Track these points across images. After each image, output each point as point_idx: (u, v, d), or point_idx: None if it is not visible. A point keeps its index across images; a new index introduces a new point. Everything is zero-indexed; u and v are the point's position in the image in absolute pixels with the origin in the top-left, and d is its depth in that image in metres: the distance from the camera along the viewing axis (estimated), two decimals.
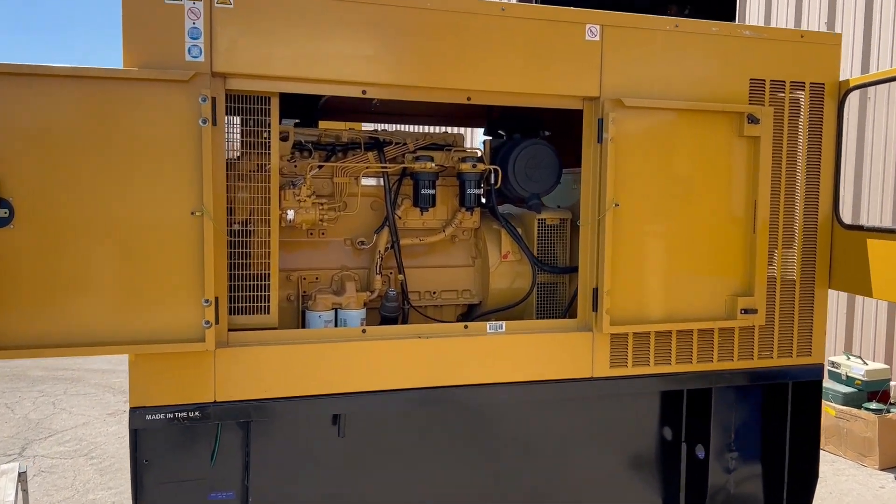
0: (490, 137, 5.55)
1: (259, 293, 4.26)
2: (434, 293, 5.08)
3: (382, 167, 4.77)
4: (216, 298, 3.97)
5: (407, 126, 6.64)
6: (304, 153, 4.78)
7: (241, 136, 4.24)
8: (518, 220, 5.20)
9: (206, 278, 3.89)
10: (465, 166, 4.79)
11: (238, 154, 4.34)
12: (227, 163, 4.13)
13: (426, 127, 6.40)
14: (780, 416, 5.39)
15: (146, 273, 3.84)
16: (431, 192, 4.75)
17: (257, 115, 4.18)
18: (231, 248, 4.18)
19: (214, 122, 3.91)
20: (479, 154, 5.05)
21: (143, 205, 3.81)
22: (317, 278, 4.81)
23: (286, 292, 4.74)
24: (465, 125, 6.65)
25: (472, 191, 4.81)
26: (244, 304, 4.24)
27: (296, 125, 4.97)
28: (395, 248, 4.83)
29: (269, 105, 4.18)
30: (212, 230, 3.87)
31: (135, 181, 3.80)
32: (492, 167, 4.87)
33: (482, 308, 5.15)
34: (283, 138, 4.69)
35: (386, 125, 6.54)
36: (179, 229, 3.87)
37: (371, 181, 4.94)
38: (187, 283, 3.90)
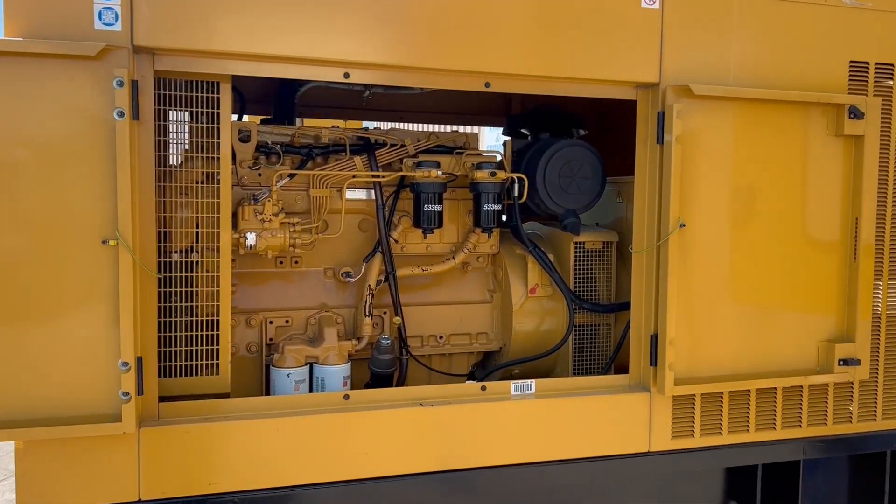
0: (508, 138, 4.47)
1: (204, 346, 3.20)
2: (441, 338, 4.00)
3: (374, 176, 3.70)
4: (139, 359, 2.90)
5: (406, 126, 5.55)
6: (272, 158, 3.72)
7: (179, 136, 3.18)
8: (548, 243, 4.13)
9: (122, 331, 2.82)
10: (482, 174, 3.72)
11: (180, 160, 3.27)
12: (159, 172, 3.07)
13: (429, 127, 5.32)
14: (875, 491, 4.29)
15: (37, 326, 2.77)
16: (437, 208, 3.68)
17: (201, 107, 3.12)
18: (165, 286, 3.11)
19: (136, 116, 2.84)
20: (499, 159, 3.97)
21: (33, 231, 2.75)
22: (287, 321, 3.73)
23: (245, 341, 3.67)
24: (477, 123, 5.57)
25: (490, 206, 3.73)
26: (183, 363, 3.17)
27: (263, 122, 3.90)
28: (390, 281, 3.76)
29: (218, 92, 3.12)
30: (130, 264, 2.80)
31: (19, 199, 2.73)
32: (515, 175, 3.80)
33: (503, 357, 4.08)
34: (244, 138, 3.63)
35: (380, 124, 5.48)
36: (86, 264, 2.81)
37: (359, 194, 3.88)
38: (97, 338, 2.84)
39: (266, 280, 3.80)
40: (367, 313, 3.72)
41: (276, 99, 4.58)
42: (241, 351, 3.66)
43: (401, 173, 3.72)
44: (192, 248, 3.27)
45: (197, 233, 3.25)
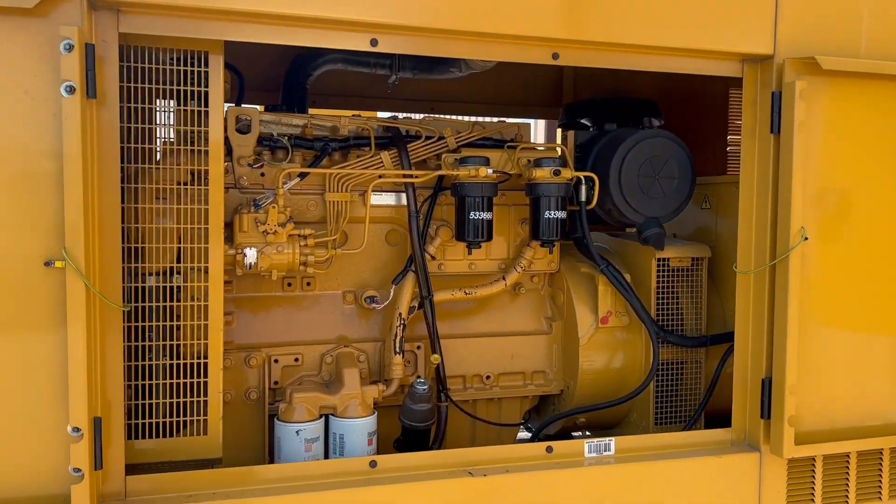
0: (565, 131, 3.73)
1: (189, 398, 2.48)
2: (487, 378, 3.25)
3: (406, 175, 2.96)
4: (96, 421, 2.18)
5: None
6: (277, 154, 3.00)
7: (154, 121, 2.47)
8: (618, 258, 3.37)
9: (71, 386, 2.10)
10: (542, 173, 2.97)
11: (157, 154, 2.57)
12: (127, 170, 2.37)
13: (466, 118, 4.57)
14: None
15: None
16: (486, 215, 2.94)
17: (184, 85, 2.41)
18: (135, 319, 2.40)
19: (91, 93, 2.14)
20: (561, 153, 3.22)
21: None
22: (297, 360, 3.00)
23: (243, 385, 2.94)
24: (521, 116, 4.81)
25: (552, 213, 2.99)
26: (161, 420, 2.45)
27: (267, 110, 3.18)
28: (425, 308, 3.02)
29: (207, 66, 2.41)
30: (83, 293, 2.08)
31: None
32: (584, 175, 3.04)
33: (566, 402, 3.32)
34: (242, 129, 2.91)
35: (408, 116, 4.75)
36: (21, 294, 2.09)
37: (387, 199, 3.14)
38: (38, 396, 2.12)
39: (270, 307, 3.07)
40: (397, 349, 2.97)
41: (284, 85, 3.86)
42: (237, 398, 2.93)
43: (439, 172, 2.97)
44: (173, 269, 2.55)
45: (180, 249, 2.53)
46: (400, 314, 3.02)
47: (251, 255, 2.79)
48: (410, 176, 2.99)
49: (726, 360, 3.29)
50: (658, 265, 3.24)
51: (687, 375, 3.33)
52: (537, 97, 4.55)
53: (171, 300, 2.51)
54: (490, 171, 2.91)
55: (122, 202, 2.34)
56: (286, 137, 2.98)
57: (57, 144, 2.09)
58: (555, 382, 3.33)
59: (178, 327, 2.51)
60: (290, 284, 3.10)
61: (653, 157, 3.12)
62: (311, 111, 3.30)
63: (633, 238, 3.39)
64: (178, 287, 2.55)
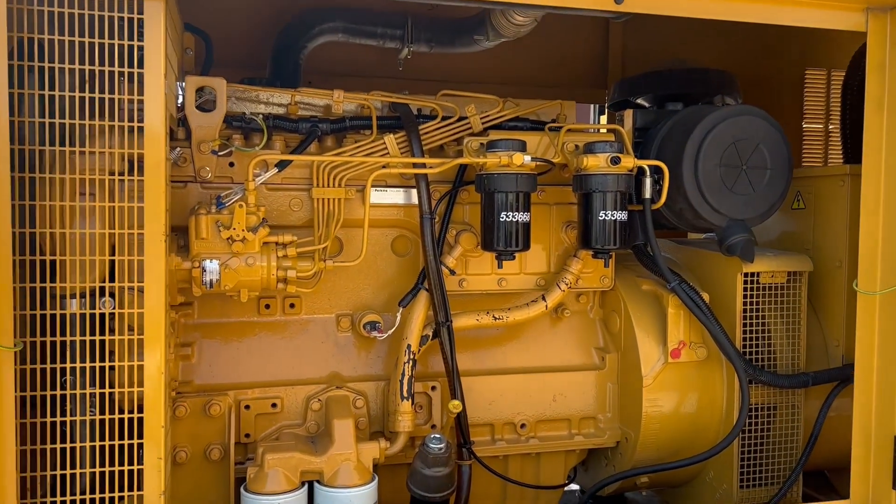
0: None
1: (116, 467, 1.83)
2: (523, 427, 2.58)
3: (417, 165, 2.31)
4: None
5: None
6: (252, 138, 2.37)
7: (62, 86, 1.84)
8: (688, 273, 2.68)
9: None
10: (595, 161, 2.30)
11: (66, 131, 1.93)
12: (21, 153, 1.74)
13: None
14: None
15: None
16: (523, 217, 2.29)
17: (107, 37, 1.78)
18: (42, 359, 1.77)
19: None
20: (617, 136, 2.54)
21: None
22: (274, 405, 2.35)
23: (202, 440, 2.29)
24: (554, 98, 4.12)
25: (609, 214, 2.32)
26: (78, 496, 1.81)
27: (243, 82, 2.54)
28: (442, 338, 2.36)
29: (140, 10, 1.78)
30: None
31: None
32: (648, 164, 2.36)
33: (625, 456, 2.64)
34: (205, 104, 2.27)
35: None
36: None
37: (392, 196, 2.49)
38: None
39: (242, 336, 2.43)
40: (405, 394, 2.31)
41: (272, 60, 3.23)
42: (195, 456, 2.28)
43: (461, 160, 2.30)
44: (101, 290, 1.92)
45: (112, 263, 1.90)
46: (409, 346, 2.35)
47: (212, 269, 2.14)
48: (423, 165, 2.33)
49: (831, 404, 2.59)
50: (746, 282, 2.54)
51: (780, 424, 2.62)
52: (577, 77, 3.88)
53: (99, 333, 1.87)
54: (527, 158, 2.24)
55: (18, 198, 1.71)
56: (263, 117, 2.34)
57: None
58: (609, 432, 2.64)
59: (105, 370, 1.87)
60: (268, 307, 2.45)
61: (739, 142, 2.44)
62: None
63: (710, 246, 2.70)
64: (108, 315, 1.91)
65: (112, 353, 1.87)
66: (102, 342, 1.86)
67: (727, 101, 2.99)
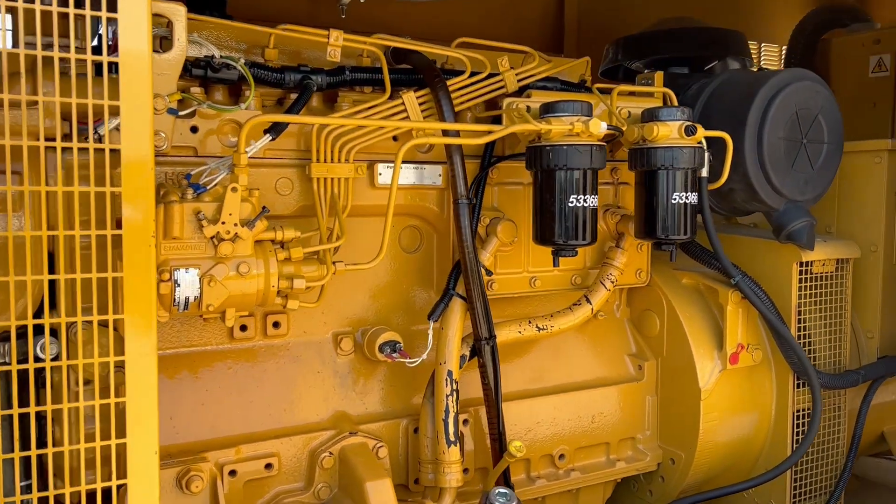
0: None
1: None
2: (561, 458, 2.12)
3: (451, 132, 1.77)
4: None
5: None
6: (213, 92, 1.69)
7: None
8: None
9: None
10: (666, 131, 1.88)
11: None
12: None
13: None
14: None
15: None
16: (592, 201, 1.80)
17: None
18: None
19: None
20: (669, 101, 2.15)
21: None
22: (269, 465, 1.71)
23: None
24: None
25: (682, 196, 1.91)
26: None
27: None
28: (485, 357, 1.83)
29: None
30: None
31: None
32: (709, 135, 1.97)
33: (671, 484, 2.27)
34: (155, 46, 1.55)
35: None
36: None
37: (404, 174, 1.91)
38: None
39: (210, 371, 1.75)
40: (451, 437, 1.76)
41: None
42: None
43: (518, 126, 1.76)
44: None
45: (51, 286, 1.20)
46: (450, 373, 1.81)
47: (189, 281, 1.47)
48: (459, 134, 1.78)
49: (871, 401, 2.40)
50: (802, 271, 2.26)
51: (823, 426, 2.39)
52: (530, 38, 3.44)
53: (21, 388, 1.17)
54: (604, 125, 1.76)
55: None
56: (244, 62, 1.67)
57: None
58: (650, 454, 2.26)
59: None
60: (244, 328, 1.79)
61: (801, 111, 2.13)
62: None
63: (752, 232, 2.40)
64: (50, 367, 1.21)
65: (51, 420, 1.18)
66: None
67: (734, 64, 2.70)
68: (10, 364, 1.16)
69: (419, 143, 1.74)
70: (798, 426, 2.28)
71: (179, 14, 1.57)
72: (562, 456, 2.13)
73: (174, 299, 1.47)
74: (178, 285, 1.47)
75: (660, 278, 2.27)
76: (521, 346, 2.15)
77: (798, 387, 2.28)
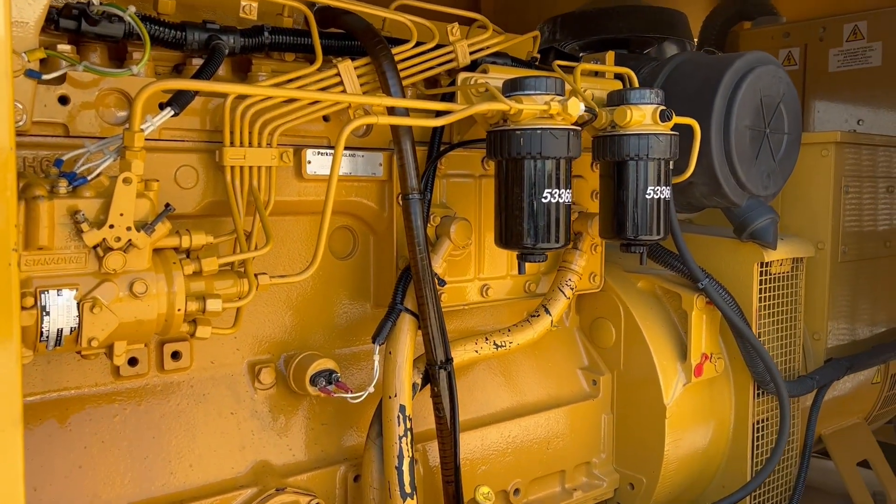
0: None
1: None
2: (516, 493, 1.84)
3: (394, 112, 1.45)
4: None
5: None
6: (87, 52, 1.27)
7: None
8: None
9: None
10: (640, 116, 1.64)
11: None
12: None
13: None
14: None
15: None
16: (566, 196, 1.52)
17: None
18: None
19: None
20: (629, 82, 1.91)
21: None
22: None
23: None
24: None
25: (657, 191, 1.67)
26: None
27: None
28: (441, 385, 1.53)
29: None
30: None
31: None
32: (688, 122, 1.76)
33: None
34: None
35: None
36: None
37: (343, 163, 1.55)
38: None
39: (91, 421, 1.33)
40: (408, 489, 1.44)
41: None
42: None
43: (483, 106, 1.45)
44: None
45: None
46: (402, 408, 1.48)
47: (61, 309, 1.06)
48: (408, 112, 1.46)
49: (820, 406, 2.30)
50: (761, 272, 2.10)
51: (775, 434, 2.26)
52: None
53: None
54: (582, 106, 1.49)
55: None
56: (134, 12, 1.26)
57: None
58: (607, 479, 2.02)
59: None
60: (133, 362, 1.37)
61: (765, 98, 1.96)
62: None
63: (703, 229, 2.22)
64: None
65: None
66: None
67: (672, 47, 2.53)
68: None
69: (361, 123, 1.39)
70: (757, 437, 2.14)
71: None
72: (517, 490, 1.85)
73: (41, 332, 1.06)
74: (47, 313, 1.06)
75: (614, 282, 2.04)
76: (466, 365, 1.85)
77: (757, 396, 2.13)
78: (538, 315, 1.81)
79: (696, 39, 3.85)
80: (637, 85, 1.92)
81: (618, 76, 1.94)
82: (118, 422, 1.36)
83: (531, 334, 1.78)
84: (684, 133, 1.75)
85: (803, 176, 2.38)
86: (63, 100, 1.23)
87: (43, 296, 1.06)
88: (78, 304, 1.08)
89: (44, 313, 1.06)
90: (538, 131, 1.47)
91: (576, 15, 2.43)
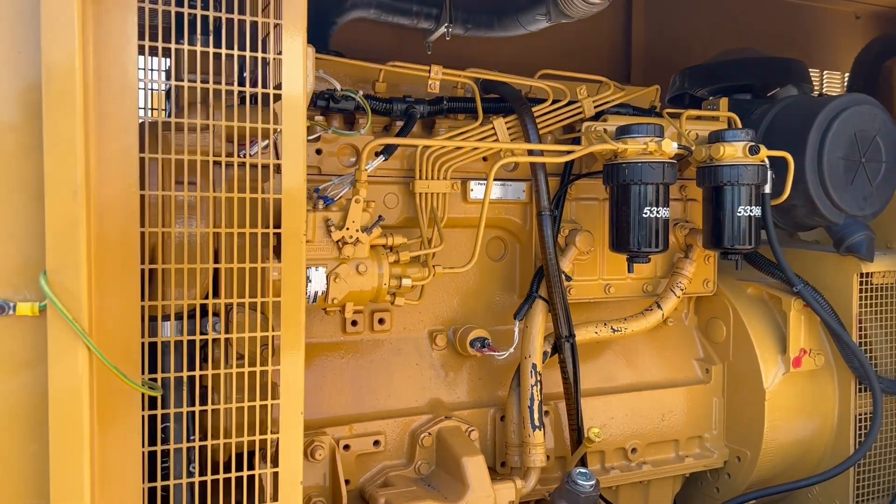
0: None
1: None
2: (633, 451, 2.32)
3: (534, 152, 2.03)
4: None
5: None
6: (331, 119, 1.99)
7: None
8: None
9: None
10: (732, 151, 2.10)
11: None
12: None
13: None
14: None
15: None
16: (664, 213, 2.04)
17: None
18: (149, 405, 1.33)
19: None
20: (733, 124, 2.36)
21: None
22: (377, 443, 1.97)
23: (303, 494, 1.86)
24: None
25: (747, 210, 2.12)
26: None
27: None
28: (565, 354, 2.07)
29: None
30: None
31: None
32: (771, 155, 2.18)
33: (738, 481, 2.45)
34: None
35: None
36: None
37: (494, 190, 2.17)
38: None
39: (326, 360, 2.03)
40: (536, 422, 2.00)
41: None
42: None
43: (598, 146, 2.01)
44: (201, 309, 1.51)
45: (216, 273, 1.49)
46: (534, 365, 2.05)
47: (318, 278, 1.75)
48: (542, 153, 2.04)
49: None
50: (861, 282, 2.42)
51: (890, 432, 2.52)
52: (600, 71, 3.69)
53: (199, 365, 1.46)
54: (675, 145, 2.00)
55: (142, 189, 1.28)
56: (361, 94, 1.96)
57: None
58: (717, 452, 2.44)
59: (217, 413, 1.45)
60: (355, 324, 2.07)
61: (860, 133, 2.31)
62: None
63: (812, 246, 2.58)
64: (215, 341, 1.50)
65: (214, 390, 1.46)
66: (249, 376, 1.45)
67: (793, 91, 2.89)
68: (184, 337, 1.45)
69: (507, 161, 2.00)
70: (860, 429, 2.43)
71: (309, 54, 1.88)
72: (634, 450, 2.33)
73: (305, 293, 1.76)
74: (310, 281, 1.75)
75: (726, 288, 2.47)
76: (595, 349, 2.37)
77: (859, 391, 2.43)
78: (651, 310, 2.30)
79: (847, 75, 4.07)
80: (740, 126, 2.36)
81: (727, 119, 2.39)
82: (344, 363, 2.05)
83: (644, 324, 2.27)
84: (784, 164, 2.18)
85: None
86: (318, 151, 1.95)
87: (308, 270, 1.75)
88: (326, 276, 1.77)
89: (308, 282, 1.75)
90: (639, 164, 1.99)
91: (701, 67, 2.89)
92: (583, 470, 1.93)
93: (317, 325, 2.03)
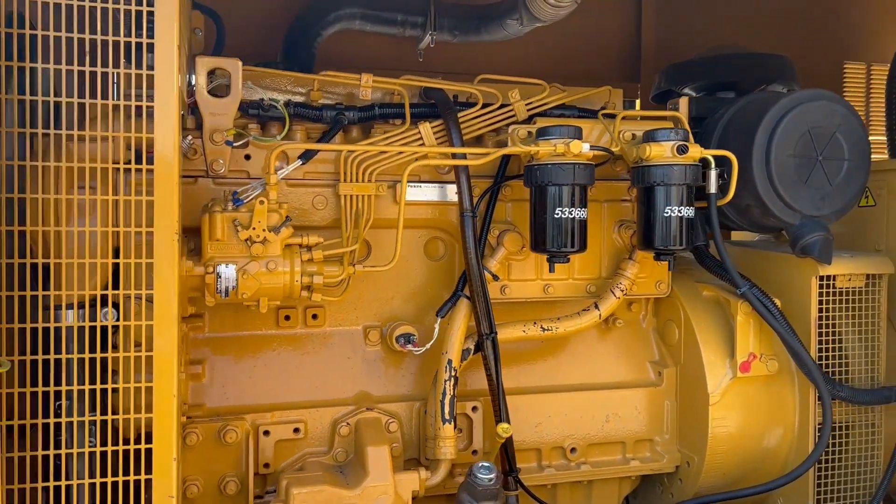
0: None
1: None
2: (573, 451, 2.33)
3: (457, 156, 2.09)
4: None
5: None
6: (270, 127, 2.13)
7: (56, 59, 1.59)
8: (754, 277, 2.43)
9: None
10: (659, 151, 2.09)
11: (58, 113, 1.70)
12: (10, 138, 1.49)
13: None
14: None
15: None
16: (580, 213, 2.05)
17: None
18: (20, 383, 1.52)
19: None
20: (676, 124, 2.32)
21: None
22: (297, 430, 2.10)
23: (217, 473, 2.04)
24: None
25: (676, 210, 2.11)
26: None
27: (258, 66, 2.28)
28: (486, 351, 2.11)
29: None
30: None
31: None
32: (713, 154, 2.13)
33: (687, 483, 2.40)
34: (218, 89, 2.03)
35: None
36: None
37: (426, 192, 2.25)
38: None
39: (258, 351, 2.18)
40: (446, 416, 2.06)
41: (284, 49, 3.02)
42: (208, 490, 2.02)
43: (510, 149, 2.06)
44: (101, 299, 1.68)
45: (115, 269, 1.66)
46: (450, 361, 2.11)
47: (228, 274, 1.90)
48: (465, 157, 2.10)
49: None
50: (821, 286, 2.31)
51: (856, 443, 2.39)
52: (606, 69, 3.67)
53: (97, 349, 1.62)
54: (586, 146, 2.01)
55: (5, 190, 1.47)
56: (283, 104, 2.09)
57: None
58: (667, 456, 2.40)
59: (111, 392, 1.62)
60: (287, 318, 2.21)
61: (814, 130, 2.22)
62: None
63: (774, 247, 2.48)
64: (112, 328, 1.67)
65: (115, 373, 1.63)
66: (104, 360, 1.62)
67: (781, 89, 2.77)
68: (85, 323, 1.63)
69: (425, 164, 2.09)
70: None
71: (236, 68, 2.03)
72: (573, 449, 2.33)
73: (217, 288, 1.91)
74: (220, 277, 1.90)
75: (680, 290, 2.42)
76: (541, 348, 2.40)
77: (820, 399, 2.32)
78: (588, 310, 2.30)
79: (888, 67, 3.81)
80: (686, 127, 2.31)
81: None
82: (275, 355, 2.18)
83: (578, 324, 2.28)
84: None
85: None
86: (247, 156, 2.10)
87: (218, 267, 1.90)
88: (236, 272, 1.91)
89: (218, 277, 1.90)
90: (549, 166, 2.01)
91: (678, 66, 2.82)
92: (486, 464, 1.97)
93: (252, 319, 2.17)
